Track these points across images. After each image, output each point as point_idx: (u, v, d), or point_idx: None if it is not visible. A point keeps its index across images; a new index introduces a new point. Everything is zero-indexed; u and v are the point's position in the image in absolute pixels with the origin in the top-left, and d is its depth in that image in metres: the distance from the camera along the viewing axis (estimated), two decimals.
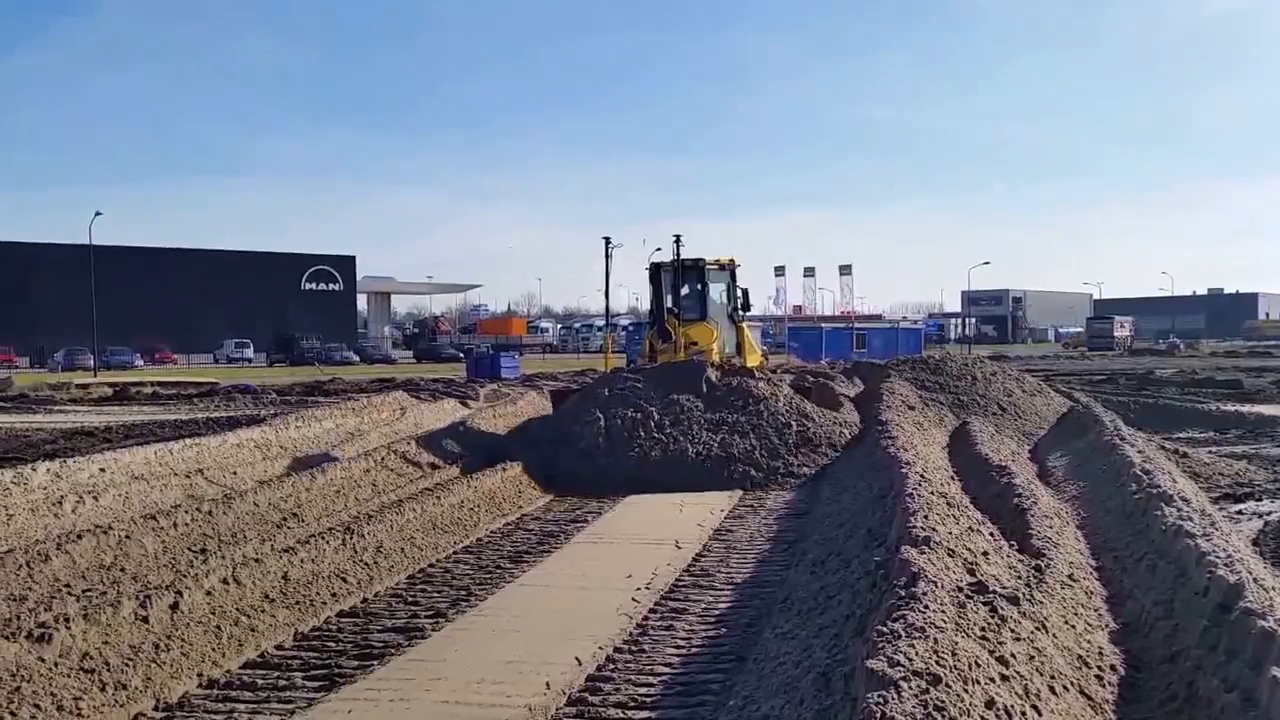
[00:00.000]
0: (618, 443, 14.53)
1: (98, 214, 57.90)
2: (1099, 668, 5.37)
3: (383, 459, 13.60)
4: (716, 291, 18.85)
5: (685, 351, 17.57)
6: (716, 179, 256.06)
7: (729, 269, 18.91)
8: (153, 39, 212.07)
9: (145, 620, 6.43)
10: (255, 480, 13.00)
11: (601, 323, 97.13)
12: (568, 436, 14.96)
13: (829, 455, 14.50)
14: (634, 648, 6.76)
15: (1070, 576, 6.85)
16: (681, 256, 18.11)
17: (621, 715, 5.58)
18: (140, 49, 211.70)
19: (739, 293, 19.04)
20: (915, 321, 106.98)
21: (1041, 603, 5.80)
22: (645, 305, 19.87)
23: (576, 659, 6.41)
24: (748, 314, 19.71)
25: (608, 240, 18.45)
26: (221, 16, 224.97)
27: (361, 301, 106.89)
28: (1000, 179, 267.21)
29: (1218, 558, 6.09)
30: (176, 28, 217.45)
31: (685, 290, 18.46)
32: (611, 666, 6.38)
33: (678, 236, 17.98)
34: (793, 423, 15.03)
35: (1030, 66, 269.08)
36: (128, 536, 9.13)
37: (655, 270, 18.42)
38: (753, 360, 19.07)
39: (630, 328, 56.89)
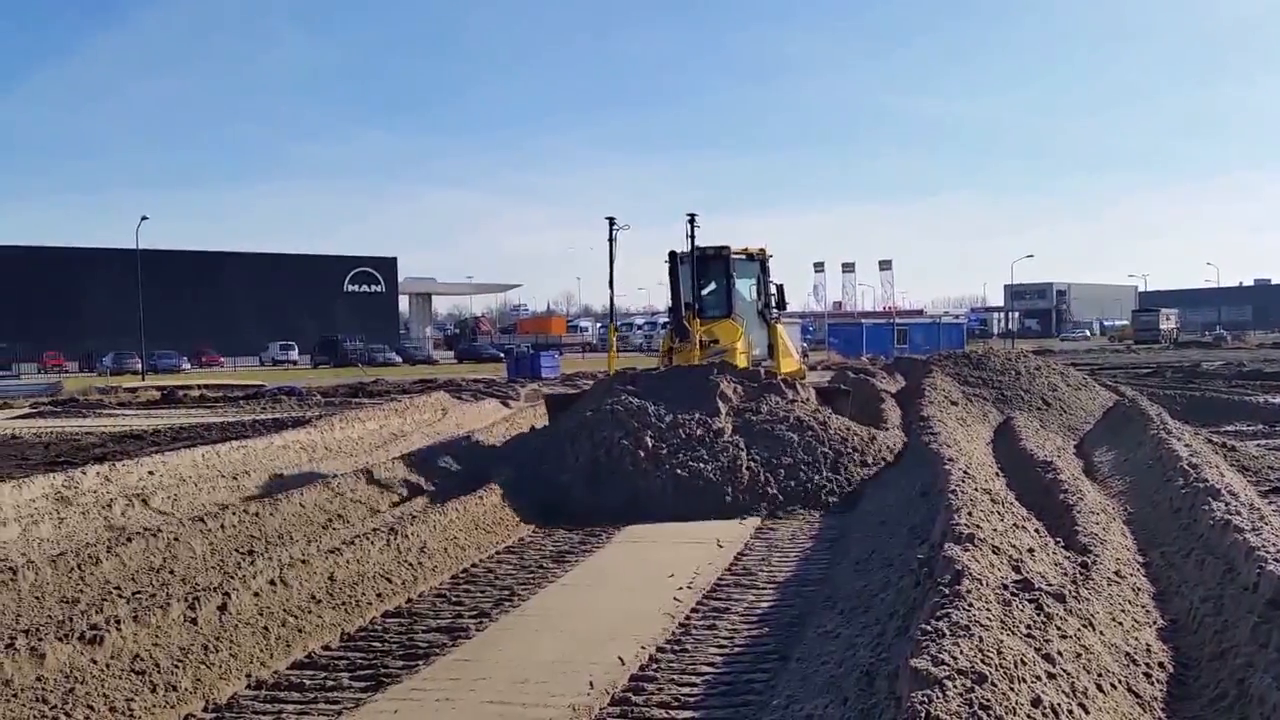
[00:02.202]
0: (603, 473, 12.18)
1: (144, 219, 58.87)
2: (1147, 665, 5.31)
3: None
4: (745, 286, 16.45)
5: (702, 352, 15.08)
6: (756, 175, 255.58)
7: (759, 259, 16.52)
8: (193, 46, 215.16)
9: (194, 622, 6.53)
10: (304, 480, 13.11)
11: (641, 320, 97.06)
12: (550, 462, 12.72)
13: (866, 476, 12.23)
14: (677, 647, 6.76)
15: (1117, 573, 6.78)
16: (702, 244, 15.56)
17: (665, 715, 5.59)
18: (181, 56, 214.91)
19: (772, 288, 16.61)
20: (957, 316, 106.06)
21: (1088, 599, 5.75)
22: None
23: (620, 658, 6.42)
24: (783, 312, 17.19)
25: (611, 221, 15.27)
26: (260, 22, 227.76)
27: (403, 302, 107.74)
28: (1043, 171, 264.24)
29: (1267, 552, 6.00)
30: (216, 35, 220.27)
31: (712, 286, 16.05)
32: (655, 666, 6.39)
33: (692, 216, 15.07)
34: (829, 452, 12.44)
35: (1074, 58, 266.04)
36: (176, 539, 9.27)
37: (674, 260, 15.66)
38: (787, 365, 16.64)
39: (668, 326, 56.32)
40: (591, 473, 12.23)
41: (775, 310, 16.72)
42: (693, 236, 15.01)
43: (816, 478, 12.00)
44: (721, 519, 11.12)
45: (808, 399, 14.05)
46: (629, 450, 12.25)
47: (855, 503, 11.52)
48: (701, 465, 12.01)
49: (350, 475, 12.51)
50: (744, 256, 16.23)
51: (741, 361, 15.02)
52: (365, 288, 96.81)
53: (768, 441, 12.47)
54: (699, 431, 12.56)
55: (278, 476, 13.67)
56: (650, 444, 12.29)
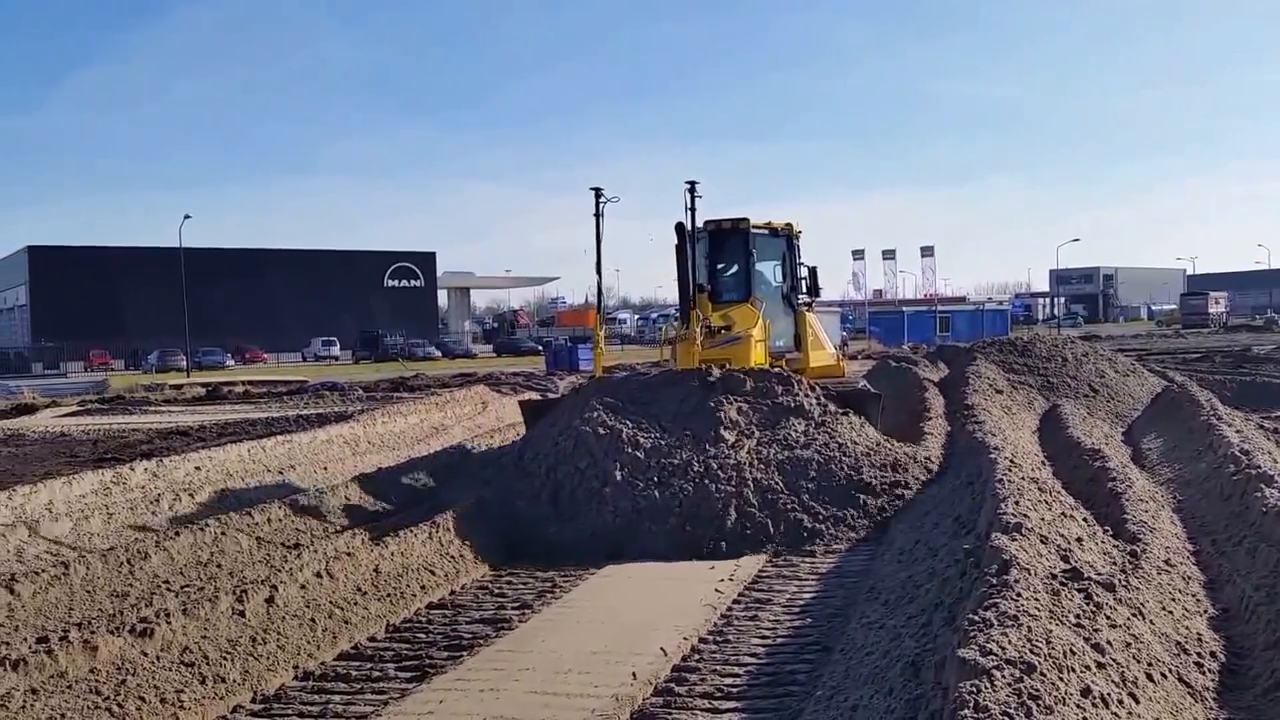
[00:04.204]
0: (566, 509, 10.10)
1: (187, 217, 59.42)
2: (1198, 654, 5.24)
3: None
4: (768, 266, 14.24)
5: (709, 341, 12.65)
6: (794, 164, 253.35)
7: (785, 236, 14.17)
8: (229, 45, 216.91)
9: (242, 614, 6.61)
10: (346, 475, 13.20)
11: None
12: (509, 490, 10.63)
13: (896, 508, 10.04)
14: (719, 638, 6.75)
15: (1167, 561, 6.69)
16: (718, 217, 13.47)
17: (708, 705, 5.58)
18: (218, 55, 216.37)
19: (803, 270, 14.26)
20: (1001, 303, 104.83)
21: (1137, 588, 5.67)
22: None
23: (662, 649, 6.42)
24: (816, 299, 14.87)
25: (598, 192, 12.94)
26: (296, 21, 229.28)
27: (442, 297, 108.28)
28: (1090, 154, 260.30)
29: None
30: (252, 33, 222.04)
31: (734, 268, 13.86)
32: (697, 657, 6.39)
33: (692, 184, 12.55)
34: (856, 483, 10.22)
35: (1120, 40, 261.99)
36: (223, 533, 9.38)
37: (682, 234, 12.83)
38: (818, 359, 14.29)
39: None
40: (553, 508, 10.18)
41: (807, 296, 14.39)
42: (693, 208, 12.63)
43: (833, 512, 9.79)
44: (715, 560, 9.06)
45: (853, 424, 11.37)
46: (595, 489, 10.14)
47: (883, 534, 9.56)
48: (690, 504, 9.73)
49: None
50: (767, 232, 13.97)
51: (756, 354, 12.87)
52: (405, 283, 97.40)
53: (779, 472, 10.17)
54: (695, 465, 10.19)
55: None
56: (620, 478, 10.11)
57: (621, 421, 10.89)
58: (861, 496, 10.07)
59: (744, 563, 8.95)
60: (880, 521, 9.78)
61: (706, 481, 9.98)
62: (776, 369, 12.82)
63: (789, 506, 9.78)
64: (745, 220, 13.60)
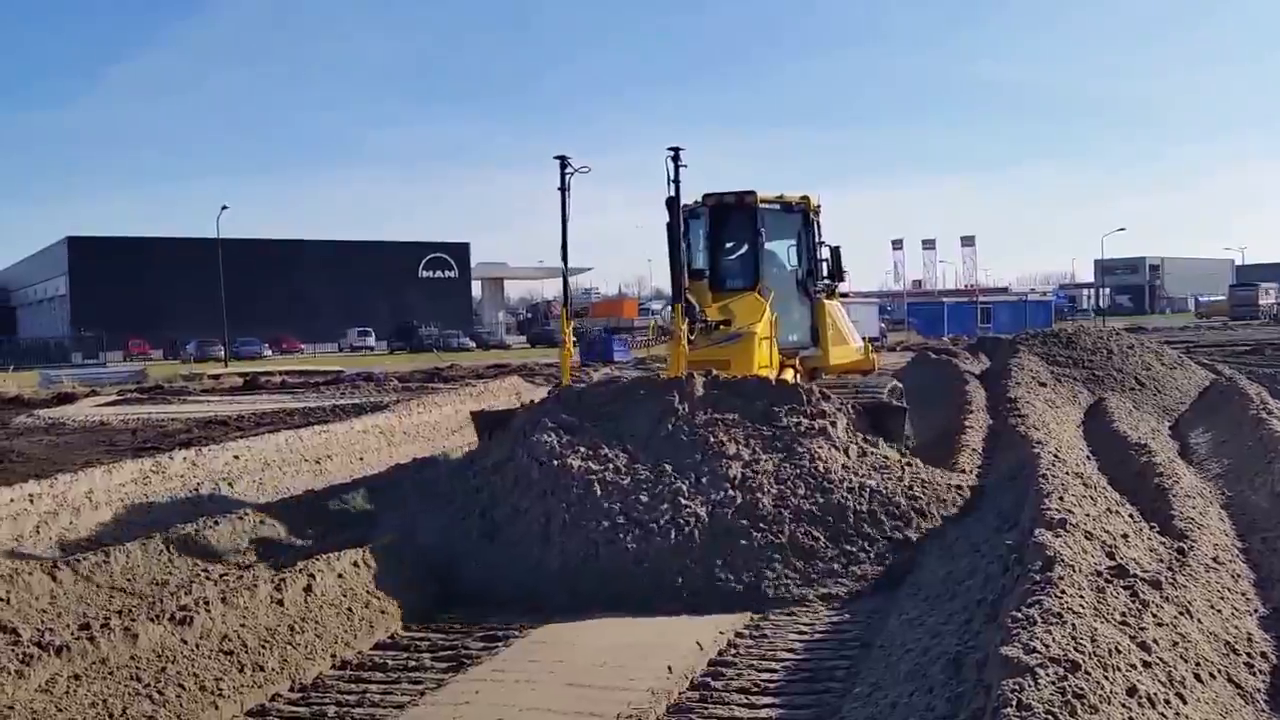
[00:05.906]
0: (502, 555, 8.03)
1: (224, 208, 60.08)
2: (1248, 654, 5.13)
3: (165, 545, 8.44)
4: (780, 247, 12.25)
5: (706, 339, 10.78)
6: (831, 150, 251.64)
7: (801, 211, 12.02)
8: (265, 37, 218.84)
9: (280, 603, 6.63)
10: (383, 465, 13.27)
11: None
12: (438, 521, 8.67)
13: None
14: (756, 633, 6.71)
15: (1215, 559, 6.57)
16: (720, 190, 11.57)
17: (745, 700, 5.54)
18: (254, 47, 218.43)
19: (824, 251, 12.18)
20: (1044, 293, 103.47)
21: (1185, 586, 5.58)
22: None
23: (698, 643, 6.39)
24: (839, 282, 12.60)
25: (563, 161, 10.82)
26: (331, 11, 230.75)
27: (475, 287, 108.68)
28: (1135, 140, 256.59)
29: None
30: (288, 25, 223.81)
31: (743, 248, 11.87)
32: (733, 651, 6.35)
33: (675, 151, 10.22)
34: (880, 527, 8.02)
35: (1166, 21, 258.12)
36: (262, 522, 9.44)
37: (675, 210, 10.50)
38: (840, 355, 12.42)
39: None
40: (489, 546, 8.17)
41: (829, 281, 12.33)
42: (676, 179, 10.30)
43: (871, 554, 7.83)
44: (687, 614, 7.14)
45: (885, 453, 9.15)
46: (538, 532, 8.03)
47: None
48: (661, 556, 7.62)
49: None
50: (778, 206, 11.82)
51: (761, 354, 10.80)
52: (439, 273, 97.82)
53: (811, 524, 7.91)
54: (685, 507, 7.90)
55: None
56: (566, 519, 7.98)
57: (574, 449, 8.57)
58: (896, 534, 8.05)
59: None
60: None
61: (701, 527, 7.78)
62: (790, 366, 11.57)
63: (827, 561, 7.71)
64: (752, 193, 11.48)
